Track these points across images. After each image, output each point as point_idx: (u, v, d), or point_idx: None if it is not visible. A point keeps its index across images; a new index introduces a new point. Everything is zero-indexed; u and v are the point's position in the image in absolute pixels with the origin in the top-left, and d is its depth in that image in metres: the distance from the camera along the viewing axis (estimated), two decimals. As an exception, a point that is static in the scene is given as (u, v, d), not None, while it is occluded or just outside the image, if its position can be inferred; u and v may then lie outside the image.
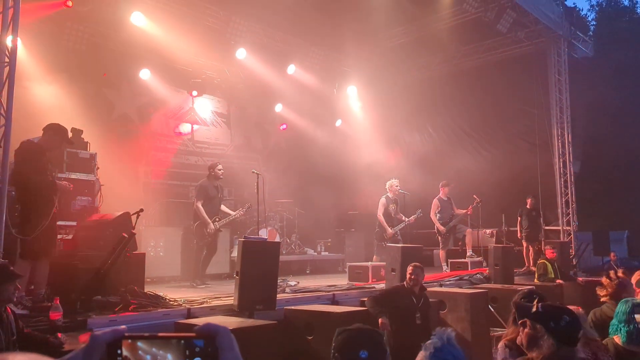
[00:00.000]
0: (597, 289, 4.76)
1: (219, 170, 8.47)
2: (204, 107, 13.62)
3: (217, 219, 8.25)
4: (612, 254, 12.62)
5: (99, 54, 10.69)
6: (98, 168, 7.48)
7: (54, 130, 5.43)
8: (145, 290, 5.47)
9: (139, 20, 10.36)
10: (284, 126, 15.10)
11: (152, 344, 0.78)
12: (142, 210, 5.48)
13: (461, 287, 8.33)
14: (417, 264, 6.14)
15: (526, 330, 2.53)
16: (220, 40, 11.81)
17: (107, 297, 5.01)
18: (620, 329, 3.65)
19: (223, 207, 8.65)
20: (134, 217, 5.46)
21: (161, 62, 11.66)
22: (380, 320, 5.54)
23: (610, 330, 3.78)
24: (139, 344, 0.77)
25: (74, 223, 6.78)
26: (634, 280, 4.85)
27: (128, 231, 5.17)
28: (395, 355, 5.33)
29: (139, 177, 11.72)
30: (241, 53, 12.20)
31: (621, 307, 3.72)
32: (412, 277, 5.92)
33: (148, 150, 12.22)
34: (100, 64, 10.88)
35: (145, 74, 11.67)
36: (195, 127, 13.51)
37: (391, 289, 6.17)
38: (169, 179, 12.57)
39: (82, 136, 7.90)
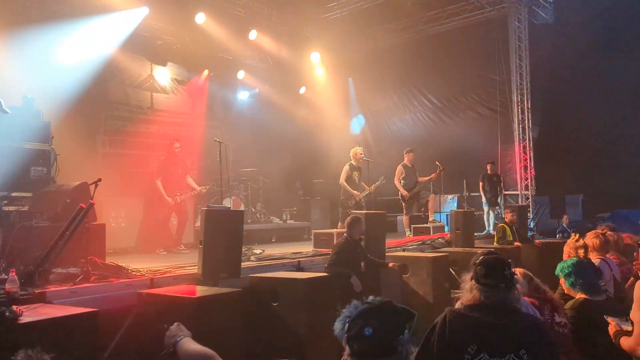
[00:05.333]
0: None
1: (176, 148, 8.76)
2: (163, 74, 13.25)
3: (179, 194, 8.61)
4: (565, 217, 13.03)
5: (50, 17, 10.21)
6: (53, 137, 7.21)
7: None
8: (107, 262, 5.38)
9: (93, -17, 9.93)
10: None
11: None
12: (100, 180, 5.32)
13: (424, 252, 8.50)
14: (355, 216, 6.74)
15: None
16: (179, 4, 11.45)
17: (67, 268, 4.91)
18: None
19: (190, 181, 8.96)
20: (92, 187, 5.31)
21: (118, 27, 11.23)
22: (353, 281, 5.93)
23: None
24: None
25: (30, 194, 6.57)
26: (587, 240, 5.04)
27: (86, 201, 5.03)
28: (346, 301, 5.61)
29: (97, 147, 11.41)
30: (200, 18, 11.86)
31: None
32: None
33: (105, 119, 11.87)
34: (53, 28, 10.41)
35: (100, 40, 11.24)
36: (155, 94, 13.17)
37: (339, 248, 6.30)
38: (129, 148, 12.27)
39: (34, 104, 7.58)
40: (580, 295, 3.85)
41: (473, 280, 2.66)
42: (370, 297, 1.98)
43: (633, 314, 3.19)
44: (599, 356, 3.60)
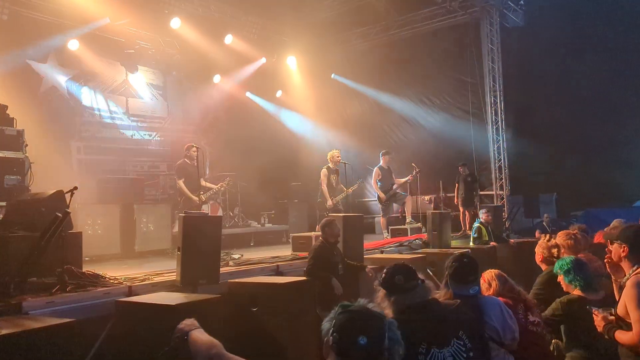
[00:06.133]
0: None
1: (194, 151, 8.99)
2: (139, 79, 13.15)
3: (202, 192, 8.91)
4: (545, 216, 13.24)
5: (22, 23, 10.08)
6: (27, 145, 7.11)
7: None
8: (84, 270, 5.33)
9: (65, -12, 9.82)
10: None
11: None
12: (76, 188, 5.27)
13: (401, 253, 8.58)
14: (329, 219, 6.71)
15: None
16: (154, 9, 11.38)
17: (43, 278, 4.85)
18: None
19: (203, 182, 9.34)
20: (67, 196, 5.25)
21: (91, 32, 11.13)
22: (334, 284, 5.98)
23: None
24: None
25: (4, 203, 6.47)
26: (559, 240, 5.16)
27: (62, 210, 4.98)
28: (326, 307, 5.73)
29: (72, 154, 11.27)
30: (176, 22, 11.81)
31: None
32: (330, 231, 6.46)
33: (80, 125, 11.74)
34: (25, 35, 10.27)
35: (73, 45, 11.12)
36: (130, 100, 13.06)
37: (316, 252, 6.32)
38: (104, 154, 12.16)
39: (7, 112, 7.46)
40: (576, 292, 3.96)
41: (394, 295, 2.77)
42: (361, 301, 2.00)
43: (622, 311, 3.25)
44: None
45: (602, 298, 3.87)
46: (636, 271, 3.26)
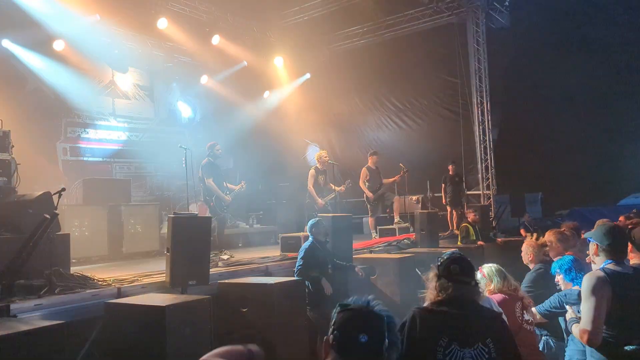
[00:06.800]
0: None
1: (217, 150, 8.79)
2: (125, 80, 13.06)
3: (228, 192, 8.72)
4: (526, 216, 13.38)
5: (7, 24, 9.97)
6: (13, 146, 7.04)
7: None
8: (72, 272, 5.29)
9: (50, -12, 9.74)
10: None
11: None
12: (63, 189, 5.23)
13: (390, 253, 8.61)
14: (316, 218, 6.79)
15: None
16: (140, 10, 11.32)
17: (31, 280, 4.81)
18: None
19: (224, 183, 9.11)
20: (55, 197, 5.21)
21: (77, 32, 11.03)
22: (323, 284, 6.05)
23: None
24: None
25: (-11, 205, 6.39)
26: (547, 238, 5.20)
27: (50, 211, 4.94)
28: (316, 307, 5.93)
29: (58, 155, 11.16)
30: (162, 23, 11.76)
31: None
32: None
33: (66, 126, 11.64)
34: (10, 35, 10.16)
35: (59, 45, 11.02)
36: (117, 100, 12.97)
37: (305, 252, 6.36)
38: (91, 155, 12.07)
39: (-8, 113, 7.40)
40: (576, 289, 4.03)
41: (443, 279, 2.76)
42: (372, 297, 2.00)
43: (582, 305, 3.36)
44: None
45: None
46: (605, 267, 3.36)
